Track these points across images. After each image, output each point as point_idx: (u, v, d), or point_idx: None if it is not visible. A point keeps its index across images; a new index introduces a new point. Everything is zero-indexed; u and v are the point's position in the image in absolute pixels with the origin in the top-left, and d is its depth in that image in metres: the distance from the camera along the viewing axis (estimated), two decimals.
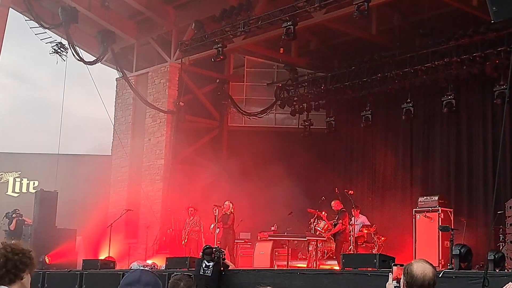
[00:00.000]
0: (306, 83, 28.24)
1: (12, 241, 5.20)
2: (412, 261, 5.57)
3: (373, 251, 20.96)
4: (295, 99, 28.30)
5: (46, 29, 27.02)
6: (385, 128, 26.52)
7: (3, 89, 51.72)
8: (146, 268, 5.32)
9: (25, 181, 32.76)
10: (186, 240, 23.55)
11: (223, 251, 18.28)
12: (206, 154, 27.80)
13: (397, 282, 5.53)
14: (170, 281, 7.33)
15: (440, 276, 13.15)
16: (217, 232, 22.18)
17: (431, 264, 5.49)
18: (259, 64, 29.73)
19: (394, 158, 25.91)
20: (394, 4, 23.59)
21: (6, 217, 26.11)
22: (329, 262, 20.92)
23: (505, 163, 21.92)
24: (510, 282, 5.28)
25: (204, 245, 18.45)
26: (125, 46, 29.48)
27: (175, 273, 18.05)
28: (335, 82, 26.69)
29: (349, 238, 21.05)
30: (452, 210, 20.51)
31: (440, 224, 19.04)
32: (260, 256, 22.91)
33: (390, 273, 5.57)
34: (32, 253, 5.20)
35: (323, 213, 21.68)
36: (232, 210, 22.58)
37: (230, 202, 22.74)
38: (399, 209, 23.99)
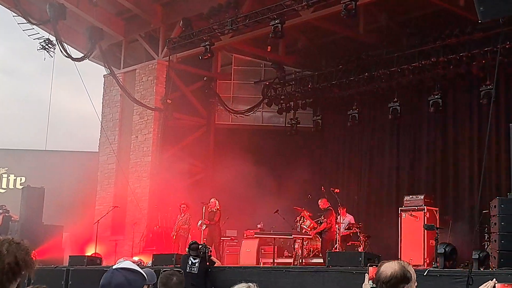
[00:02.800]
0: (293, 82, 28.24)
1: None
2: (383, 261, 5.57)
3: (359, 250, 20.97)
4: (282, 97, 28.28)
5: (34, 25, 26.94)
6: (371, 127, 26.56)
7: None
8: (127, 265, 5.10)
9: (12, 177, 32.67)
10: (174, 237, 23.53)
11: (209, 248, 18.27)
12: (193, 152, 27.78)
13: (373, 282, 5.51)
14: (161, 276, 7.28)
15: (425, 274, 13.19)
16: (204, 228, 22.20)
17: (402, 263, 5.48)
18: (247, 62, 29.70)
19: (381, 157, 25.97)
20: (381, 4, 23.59)
21: None
22: (314, 260, 20.93)
23: (490, 162, 21.96)
24: (490, 280, 5.26)
25: (190, 241, 18.41)
26: (113, 43, 29.40)
27: (164, 269, 18.07)
28: (322, 80, 26.68)
29: (335, 236, 21.07)
30: (437, 209, 20.53)
31: (425, 223, 19.08)
32: (246, 253, 22.92)
33: (366, 274, 5.54)
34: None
35: (307, 213, 21.73)
36: (218, 207, 22.65)
37: (216, 200, 22.79)
38: (385, 207, 24.05)
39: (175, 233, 23.57)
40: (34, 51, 26.75)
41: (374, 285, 5.43)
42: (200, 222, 22.40)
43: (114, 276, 4.82)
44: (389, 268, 5.27)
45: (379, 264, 5.42)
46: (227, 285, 17.13)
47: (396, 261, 5.47)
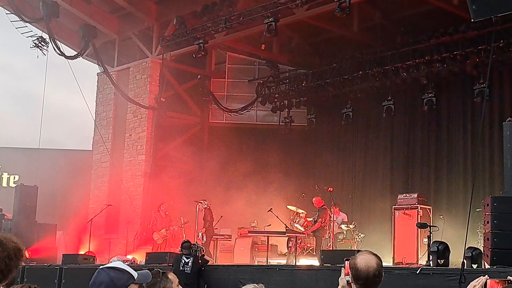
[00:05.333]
0: (287, 80, 28.23)
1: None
2: (357, 254, 5.56)
3: (352, 248, 21.01)
4: (276, 96, 28.27)
5: (27, 23, 26.92)
6: (366, 125, 26.58)
7: None
8: (115, 264, 5.14)
9: (5, 175, 32.61)
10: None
11: (202, 247, 18.27)
12: (187, 151, 27.75)
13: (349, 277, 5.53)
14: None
15: (417, 272, 13.21)
16: (202, 234, 22.41)
17: (375, 255, 5.47)
18: (241, 60, 29.69)
19: (375, 155, 26.01)
20: (375, 2, 23.67)
21: None
22: (308, 259, 20.96)
23: (483, 161, 22.05)
24: (481, 276, 5.28)
25: (183, 240, 18.40)
26: (106, 41, 29.39)
27: (154, 268, 18.07)
28: (316, 79, 26.67)
29: (329, 234, 21.12)
30: (431, 207, 20.59)
31: (418, 221, 19.11)
32: (240, 252, 22.96)
33: (342, 268, 5.55)
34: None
35: (301, 212, 21.80)
36: (206, 205, 22.70)
37: (204, 200, 22.92)
38: (378, 206, 24.05)
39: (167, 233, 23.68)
40: (28, 47, 26.76)
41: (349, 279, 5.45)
42: (200, 234, 22.50)
43: (98, 275, 4.93)
44: (368, 263, 5.28)
45: (351, 259, 5.42)
46: (220, 284, 17.17)
47: (366, 252, 5.47)
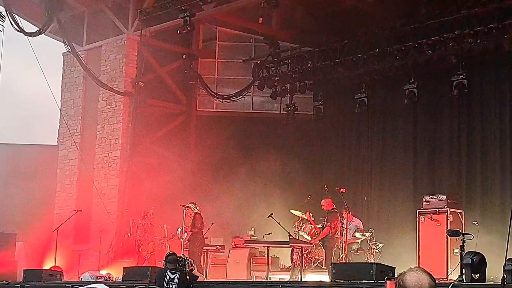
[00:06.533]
0: (289, 60, 28.22)
1: None
2: (405, 271, 5.51)
3: (369, 260, 21.02)
4: (276, 78, 28.24)
5: None
6: (383, 113, 26.57)
7: None
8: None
9: None
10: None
11: (190, 260, 18.25)
12: (170, 145, 27.73)
13: None
14: None
15: None
16: (186, 236, 22.26)
17: (427, 273, 5.43)
18: (234, 37, 29.67)
19: (395, 149, 25.98)
20: None
21: None
22: (317, 273, 20.97)
23: None
24: None
25: (167, 252, 18.39)
26: (73, 14, 29.33)
27: (135, 286, 18.07)
28: (324, 58, 26.63)
29: (341, 244, 21.11)
30: (463, 211, 20.57)
31: (448, 228, 19.11)
32: (235, 265, 22.96)
33: None
34: None
35: (307, 213, 21.77)
36: (196, 210, 22.67)
37: (193, 203, 22.83)
38: (400, 210, 24.07)
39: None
40: None
41: None
42: (179, 230, 22.42)
43: None
44: (420, 281, 5.24)
45: (399, 276, 5.38)
46: None
47: (417, 269, 5.43)
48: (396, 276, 5.52)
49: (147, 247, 23.74)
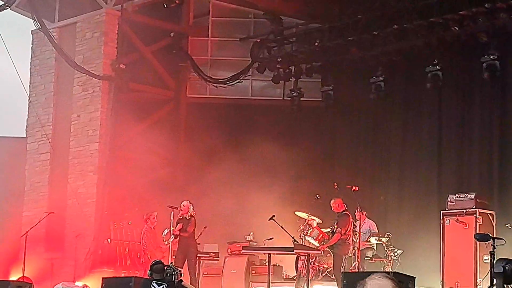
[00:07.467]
0: (294, 38, 28.24)
1: None
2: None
3: (386, 269, 21.03)
4: (279, 60, 28.23)
5: None
6: (402, 100, 26.60)
7: None
8: None
9: None
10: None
11: (179, 269, 18.25)
12: (157, 136, 27.71)
13: None
14: None
15: None
16: (171, 240, 22.22)
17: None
18: (230, 11, 29.66)
19: (416, 141, 25.98)
20: None
21: None
22: (325, 284, 21.00)
23: None
24: None
25: (153, 261, 18.39)
26: None
27: None
28: (334, 36, 26.63)
29: (353, 251, 21.12)
30: (494, 213, 20.60)
31: (477, 231, 19.11)
32: (231, 275, 23.03)
33: None
34: None
35: (310, 220, 21.81)
36: (192, 213, 22.64)
37: (190, 203, 22.78)
38: (422, 211, 24.09)
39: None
40: None
41: None
42: (166, 231, 22.42)
43: None
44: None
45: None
46: None
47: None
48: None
49: (155, 255, 23.68)
